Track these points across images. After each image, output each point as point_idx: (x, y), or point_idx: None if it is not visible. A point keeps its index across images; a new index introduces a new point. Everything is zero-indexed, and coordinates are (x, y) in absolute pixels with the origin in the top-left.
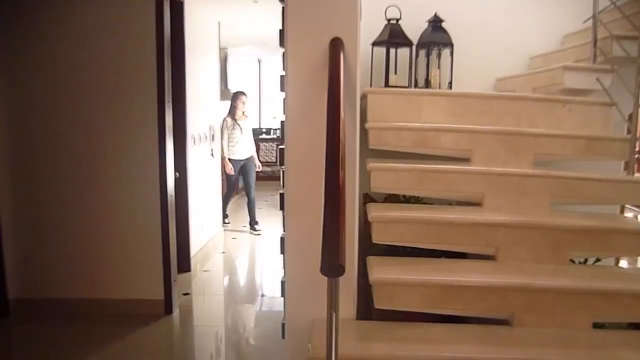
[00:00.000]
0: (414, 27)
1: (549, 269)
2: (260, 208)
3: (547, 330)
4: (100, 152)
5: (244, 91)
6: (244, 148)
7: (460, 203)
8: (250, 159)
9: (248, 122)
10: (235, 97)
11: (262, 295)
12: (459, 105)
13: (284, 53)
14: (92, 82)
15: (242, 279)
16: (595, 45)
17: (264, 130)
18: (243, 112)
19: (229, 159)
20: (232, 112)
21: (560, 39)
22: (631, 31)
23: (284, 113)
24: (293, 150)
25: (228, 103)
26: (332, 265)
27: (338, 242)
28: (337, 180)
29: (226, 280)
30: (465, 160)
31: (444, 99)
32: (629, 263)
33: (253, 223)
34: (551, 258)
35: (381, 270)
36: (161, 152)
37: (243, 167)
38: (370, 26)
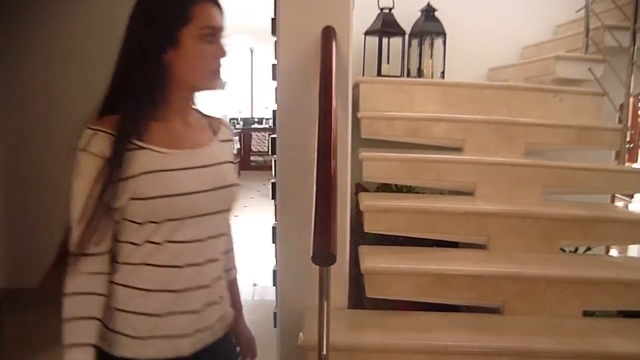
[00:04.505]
0: (407, 17)
1: (540, 258)
2: (252, 198)
3: (538, 318)
4: None
5: None
6: None
7: (452, 192)
8: None
9: None
10: None
11: (255, 284)
12: (451, 94)
13: (276, 42)
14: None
15: None
16: (587, 35)
17: (256, 120)
18: None
19: None
20: None
21: (552, 28)
22: (623, 21)
23: (276, 102)
24: (285, 140)
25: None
26: (323, 253)
27: (329, 231)
28: (329, 170)
29: None
30: (457, 149)
31: (436, 88)
32: (619, 252)
33: None
34: (542, 247)
35: (373, 260)
36: None
37: None
38: (363, 15)
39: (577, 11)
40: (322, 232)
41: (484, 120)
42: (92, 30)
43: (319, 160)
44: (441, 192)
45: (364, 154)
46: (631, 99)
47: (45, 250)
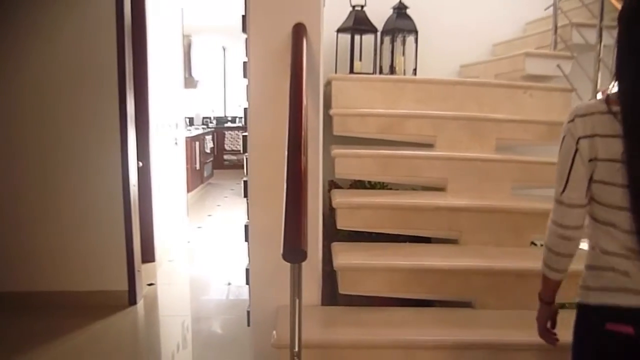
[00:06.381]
0: (379, 14)
1: (511, 252)
2: (225, 197)
3: (508, 311)
4: (60, 142)
5: None
6: None
7: (425, 188)
8: None
9: None
10: None
11: (229, 284)
12: (422, 91)
13: (246, 39)
14: (50, 72)
15: (208, 268)
16: (555, 32)
17: (229, 118)
18: None
19: None
20: None
21: (522, 26)
22: (590, 19)
23: (247, 100)
24: (256, 138)
25: (192, 91)
26: (293, 250)
27: (300, 228)
28: (299, 167)
29: (192, 269)
30: (429, 145)
31: (408, 85)
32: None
33: None
34: (512, 241)
35: (346, 256)
36: (123, 140)
37: None
38: (335, 13)
39: (546, 9)
40: (293, 229)
41: (455, 116)
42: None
43: (289, 157)
44: (414, 189)
45: (336, 151)
46: (599, 95)
47: (16, 253)
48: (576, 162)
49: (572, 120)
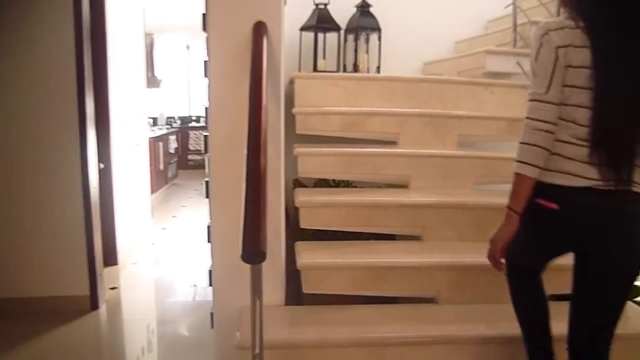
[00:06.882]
0: (342, 12)
1: (473, 247)
2: (190, 197)
3: (472, 306)
4: (17, 144)
5: None
6: None
7: (389, 185)
8: None
9: None
10: None
11: (195, 285)
12: (386, 89)
13: (207, 38)
14: (4, 73)
15: (173, 270)
16: (515, 30)
17: (194, 118)
18: None
19: None
20: None
21: (484, 24)
22: (547, 17)
23: (208, 100)
24: (216, 137)
25: (155, 90)
26: (252, 251)
27: (258, 228)
28: (258, 167)
29: (156, 271)
30: (392, 143)
31: (372, 83)
32: None
33: None
34: (475, 236)
35: (309, 255)
36: (82, 142)
37: None
38: (299, 11)
39: (506, 7)
40: (251, 230)
41: (418, 113)
42: None
43: (248, 157)
44: (378, 186)
45: (298, 149)
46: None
47: None
48: (557, 67)
49: (546, 34)
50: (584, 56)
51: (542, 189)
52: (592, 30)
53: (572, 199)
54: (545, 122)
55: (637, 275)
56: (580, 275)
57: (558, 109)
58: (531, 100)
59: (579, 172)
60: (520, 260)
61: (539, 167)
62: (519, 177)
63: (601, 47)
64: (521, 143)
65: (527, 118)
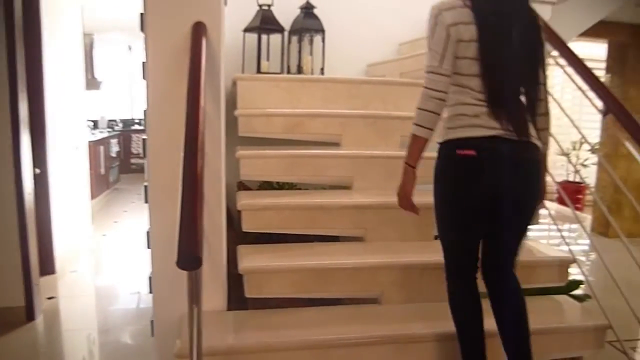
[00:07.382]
0: (286, 14)
1: (415, 246)
2: (133, 202)
3: (414, 305)
4: None
5: None
6: None
7: (333, 187)
8: None
9: None
10: None
11: (138, 292)
12: (329, 90)
13: (145, 38)
14: None
15: (114, 277)
16: None
17: (136, 121)
18: None
19: None
20: None
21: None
22: None
23: (146, 102)
24: (154, 141)
25: (96, 93)
26: (188, 257)
27: (194, 234)
28: (195, 170)
29: (97, 279)
30: (335, 144)
31: (315, 84)
32: None
33: None
34: (417, 235)
35: (251, 259)
36: (15, 147)
37: None
38: (242, 12)
39: None
40: (186, 235)
41: (360, 114)
42: None
43: (185, 160)
44: (323, 188)
45: (240, 152)
46: None
47: None
48: (449, 43)
49: (439, 14)
50: (472, 31)
51: (459, 143)
52: (476, 9)
53: (485, 146)
54: (439, 91)
55: (536, 206)
56: (493, 220)
57: (448, 79)
58: (427, 72)
59: (486, 124)
60: (454, 249)
61: (431, 129)
62: (414, 137)
63: (484, 24)
64: (418, 109)
65: (425, 87)
